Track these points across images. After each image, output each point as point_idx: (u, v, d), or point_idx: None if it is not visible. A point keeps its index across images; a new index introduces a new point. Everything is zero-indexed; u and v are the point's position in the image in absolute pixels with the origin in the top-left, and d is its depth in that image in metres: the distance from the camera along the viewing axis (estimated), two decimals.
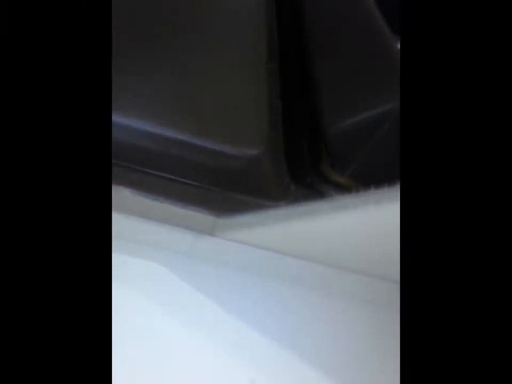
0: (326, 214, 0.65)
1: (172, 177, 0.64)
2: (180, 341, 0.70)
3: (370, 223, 0.64)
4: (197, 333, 0.72)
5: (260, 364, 0.71)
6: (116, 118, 0.58)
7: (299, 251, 0.77)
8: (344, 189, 0.61)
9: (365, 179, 0.59)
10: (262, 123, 0.63)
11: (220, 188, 0.65)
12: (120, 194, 0.69)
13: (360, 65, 0.63)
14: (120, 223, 0.75)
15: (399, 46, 0.58)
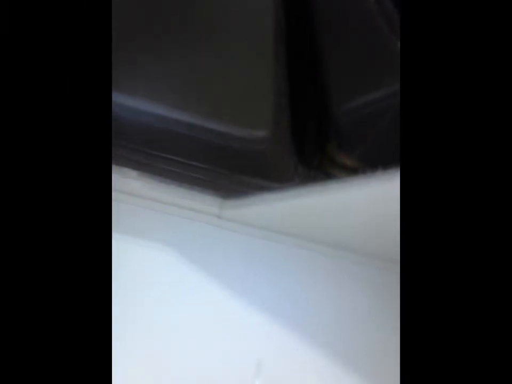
0: (332, 195, 0.65)
1: (179, 159, 0.64)
2: (187, 323, 0.71)
3: (377, 205, 0.64)
4: (204, 315, 0.72)
5: (267, 344, 0.72)
6: (124, 99, 0.58)
7: (306, 233, 0.77)
8: (351, 171, 0.61)
9: (372, 160, 0.59)
10: (269, 105, 0.62)
11: (227, 169, 0.65)
12: (127, 176, 0.70)
13: (369, 45, 0.62)
14: (125, 205, 0.76)
15: None
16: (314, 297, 0.78)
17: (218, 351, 0.69)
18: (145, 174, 0.68)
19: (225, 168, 0.65)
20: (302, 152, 0.63)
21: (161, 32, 0.65)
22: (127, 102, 0.59)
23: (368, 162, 0.60)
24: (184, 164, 0.65)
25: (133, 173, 0.67)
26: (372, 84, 0.59)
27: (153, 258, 0.75)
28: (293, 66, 0.69)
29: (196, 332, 0.70)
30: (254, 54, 0.66)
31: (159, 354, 0.68)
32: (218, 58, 0.65)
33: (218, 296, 0.74)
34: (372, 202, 0.63)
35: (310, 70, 0.70)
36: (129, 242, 0.74)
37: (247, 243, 0.79)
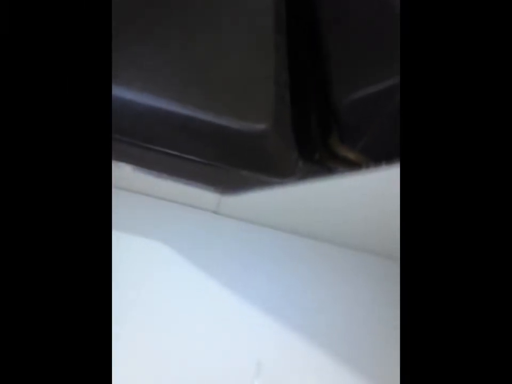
0: (334, 190, 0.64)
1: (176, 153, 0.62)
2: (186, 322, 0.70)
3: (380, 200, 0.63)
4: (202, 314, 0.71)
5: (267, 345, 0.71)
6: (119, 92, 0.56)
7: (306, 229, 0.76)
8: (353, 165, 0.59)
9: (375, 154, 0.58)
10: (269, 97, 0.60)
11: (225, 164, 0.63)
12: (122, 171, 0.68)
13: (370, 37, 0.61)
14: (122, 200, 0.74)
15: None
16: (314, 296, 0.77)
17: (218, 351, 0.68)
18: (141, 169, 0.67)
19: (223, 162, 0.63)
20: (303, 145, 0.62)
21: (159, 23, 0.63)
22: (122, 94, 0.57)
23: (371, 156, 0.59)
24: (181, 158, 0.63)
25: (128, 168, 0.65)
26: (374, 76, 0.57)
27: (149, 255, 0.74)
28: (294, 59, 0.67)
29: (195, 331, 0.69)
30: (254, 46, 0.65)
31: (159, 354, 0.66)
32: (217, 49, 0.63)
33: (217, 295, 0.73)
34: (375, 197, 0.62)
35: (311, 62, 0.68)
36: (125, 239, 0.73)
37: (245, 240, 0.78)
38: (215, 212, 0.76)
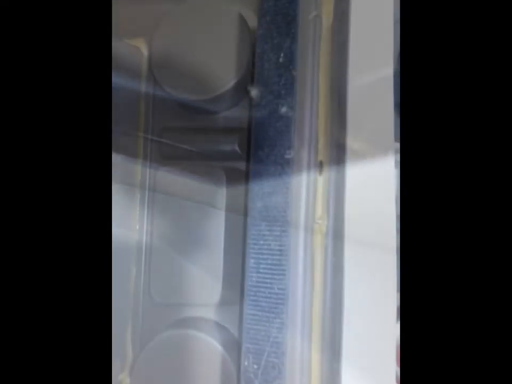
0: (333, 182, 0.61)
1: (168, 142, 0.60)
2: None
3: (385, 193, 0.60)
4: (201, 313, 0.69)
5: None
6: None
7: (307, 225, 0.74)
8: (358, 155, 0.57)
9: (381, 143, 0.55)
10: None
11: (222, 155, 0.62)
12: (114, 163, 0.66)
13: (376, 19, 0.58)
14: (114, 194, 0.72)
15: None
16: (314, 291, 0.75)
17: (217, 349, 0.64)
18: (131, 159, 0.65)
19: (220, 153, 0.62)
20: (302, 135, 0.59)
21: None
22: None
23: (377, 145, 0.56)
24: (175, 148, 0.61)
25: (117, 158, 0.63)
26: (381, 59, 0.54)
27: (145, 250, 0.71)
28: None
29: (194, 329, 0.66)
30: (250, 29, 0.62)
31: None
32: (210, 34, 0.61)
33: (216, 292, 0.69)
34: (380, 189, 0.60)
35: (311, 47, 0.65)
36: (118, 234, 0.71)
37: (244, 234, 0.76)
38: (212, 206, 0.74)
